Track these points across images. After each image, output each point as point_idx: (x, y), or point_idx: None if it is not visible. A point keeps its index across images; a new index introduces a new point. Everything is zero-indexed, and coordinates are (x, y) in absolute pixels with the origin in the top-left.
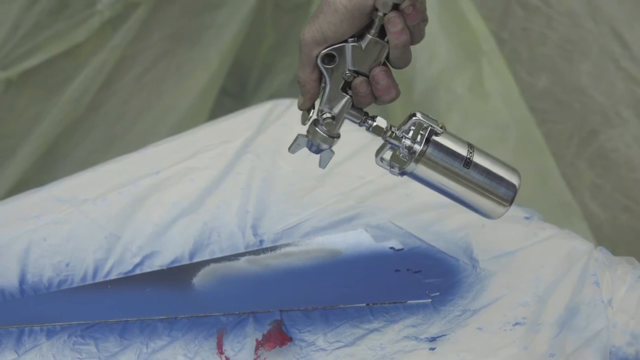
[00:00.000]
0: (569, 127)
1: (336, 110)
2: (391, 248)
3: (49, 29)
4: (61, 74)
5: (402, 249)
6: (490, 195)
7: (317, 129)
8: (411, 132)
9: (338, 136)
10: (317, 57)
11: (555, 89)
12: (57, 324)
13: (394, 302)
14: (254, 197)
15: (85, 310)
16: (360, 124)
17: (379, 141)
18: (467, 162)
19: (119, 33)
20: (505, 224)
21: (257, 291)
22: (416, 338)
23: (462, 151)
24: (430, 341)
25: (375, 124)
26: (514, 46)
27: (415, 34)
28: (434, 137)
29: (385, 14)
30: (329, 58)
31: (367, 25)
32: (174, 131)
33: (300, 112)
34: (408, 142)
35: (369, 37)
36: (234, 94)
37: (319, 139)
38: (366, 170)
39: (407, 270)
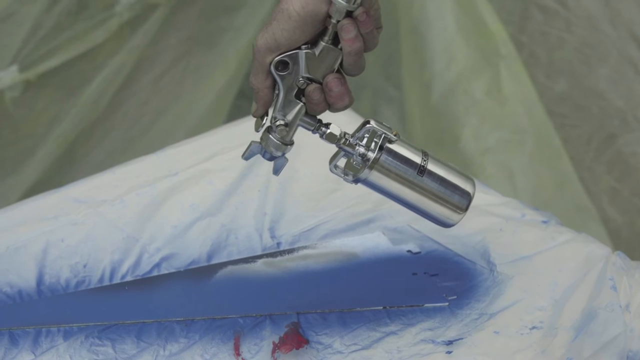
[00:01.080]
0: (587, 131)
1: (289, 117)
2: (408, 251)
3: (68, 30)
4: (80, 75)
5: (419, 252)
6: (445, 203)
7: (270, 136)
8: (365, 140)
9: (291, 143)
10: (270, 64)
11: (573, 93)
12: (74, 325)
13: (411, 306)
14: (272, 200)
15: (102, 311)
16: (313, 131)
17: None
18: (422, 170)
19: (138, 35)
20: (522, 228)
21: (274, 293)
22: (433, 341)
23: (416, 159)
24: (447, 344)
25: (328, 131)
26: (533, 50)
27: (368, 42)
28: (388, 145)
29: (338, 21)
30: (282, 65)
31: (320, 32)
32: (192, 133)
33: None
34: (362, 150)
35: (322, 44)
36: (252, 96)
37: (272, 146)
38: None
39: (425, 273)
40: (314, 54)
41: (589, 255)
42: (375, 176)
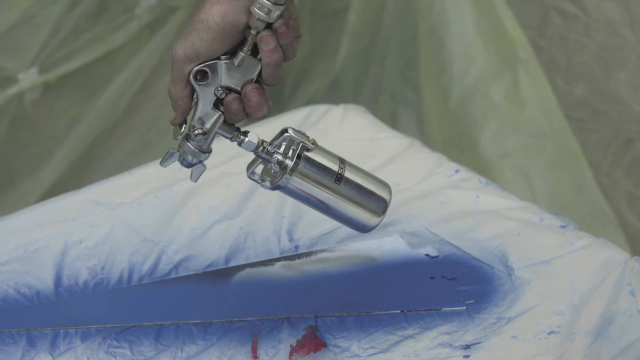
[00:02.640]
0: (605, 136)
1: (208, 125)
2: (426, 255)
3: (87, 32)
4: (99, 77)
5: (437, 256)
6: (362, 209)
7: (188, 143)
8: (283, 148)
9: (209, 151)
10: (189, 73)
11: (592, 97)
12: (92, 326)
13: (429, 309)
14: (290, 203)
15: (120, 313)
16: (231, 140)
17: (417, 148)
18: (339, 178)
19: (157, 37)
20: (541, 232)
21: (292, 296)
22: (450, 345)
23: (334, 166)
24: (465, 349)
25: (246, 139)
26: (552, 54)
27: (288, 52)
28: (305, 153)
29: (258, 32)
30: (201, 74)
31: (240, 42)
32: None
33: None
34: (279, 157)
35: (241, 54)
36: (270, 99)
37: (190, 154)
38: (402, 177)
39: (442, 277)
40: (233, 64)
41: (607, 260)
42: (294, 183)
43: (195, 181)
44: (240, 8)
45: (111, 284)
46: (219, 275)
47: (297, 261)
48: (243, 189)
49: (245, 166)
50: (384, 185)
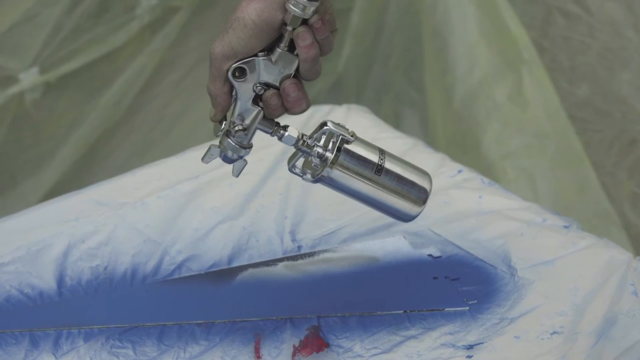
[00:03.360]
0: (608, 137)
1: (247, 121)
2: (429, 255)
3: (88, 32)
4: (101, 77)
5: (440, 257)
6: (403, 200)
7: (229, 139)
8: (322, 141)
9: (250, 146)
10: (227, 71)
11: (595, 98)
12: (95, 327)
13: (432, 310)
14: (293, 203)
15: (123, 313)
16: (272, 134)
17: (420, 148)
18: (379, 169)
19: (159, 37)
20: (543, 233)
21: (295, 297)
22: (453, 346)
23: (374, 158)
24: (468, 349)
25: (287, 134)
26: (555, 55)
27: (324, 47)
28: (345, 145)
29: (294, 29)
30: (239, 71)
31: (276, 39)
32: (212, 136)
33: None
34: (320, 150)
35: (278, 51)
36: None
37: (231, 150)
38: None
39: (445, 277)
40: (271, 60)
41: (610, 260)
42: (334, 175)
43: (237, 176)
44: (275, 5)
45: (114, 284)
46: (222, 276)
47: (300, 261)
48: (246, 190)
49: (248, 167)
50: (425, 174)
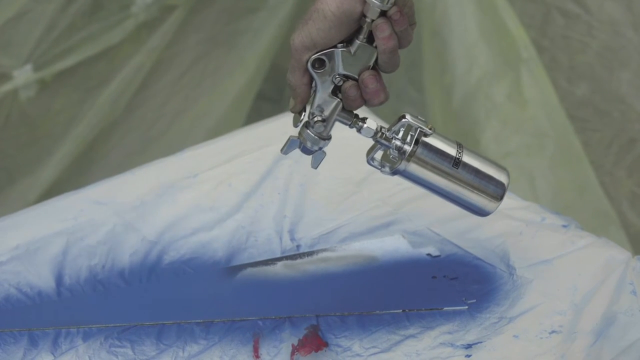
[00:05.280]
0: (608, 136)
1: (327, 113)
2: (428, 254)
3: (82, 30)
4: (98, 76)
5: (439, 256)
6: (480, 194)
7: (308, 131)
8: (401, 133)
9: (329, 138)
10: (307, 61)
11: (594, 97)
12: (94, 326)
13: (431, 309)
14: (292, 202)
15: (121, 312)
16: (350, 126)
17: None
18: (457, 162)
19: (156, 36)
20: (542, 232)
21: (294, 296)
22: (452, 345)
23: (451, 151)
24: (466, 348)
25: (365, 125)
26: (554, 54)
27: (403, 39)
28: (423, 138)
29: (373, 20)
30: (319, 63)
31: (355, 30)
32: (210, 135)
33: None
34: (398, 143)
35: (357, 42)
36: (271, 98)
37: (310, 141)
38: None
39: (444, 276)
40: (350, 52)
41: (609, 259)
42: (412, 168)
43: (316, 168)
44: None
45: (112, 283)
46: (221, 275)
47: (299, 261)
48: (245, 189)
49: (247, 166)
50: (502, 169)
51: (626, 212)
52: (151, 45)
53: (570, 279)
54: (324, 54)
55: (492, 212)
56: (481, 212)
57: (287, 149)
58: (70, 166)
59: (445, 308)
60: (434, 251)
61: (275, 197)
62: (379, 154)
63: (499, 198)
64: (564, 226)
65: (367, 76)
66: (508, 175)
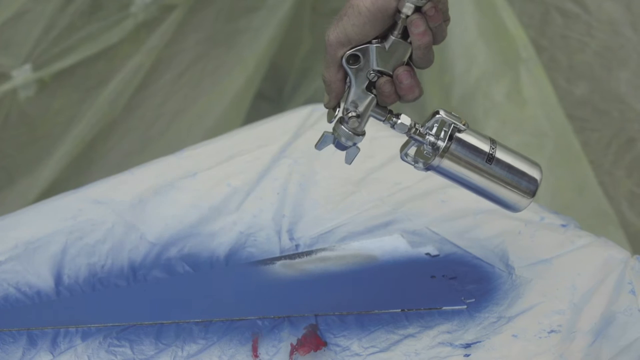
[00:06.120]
0: (607, 135)
1: (361, 108)
2: (427, 254)
3: (81, 30)
4: (97, 76)
5: (438, 255)
6: (513, 189)
7: (342, 126)
8: (435, 129)
9: (363, 133)
10: (342, 57)
11: (593, 96)
12: (93, 325)
13: (429, 308)
14: (291, 202)
15: (120, 312)
16: (384, 122)
17: None
18: (490, 158)
19: (155, 36)
20: (541, 232)
21: (293, 295)
22: (451, 344)
23: (485, 147)
24: (465, 347)
25: (399, 121)
26: (553, 53)
27: (437, 35)
28: (457, 134)
29: (407, 16)
30: (353, 58)
31: (390, 26)
32: (210, 134)
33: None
34: (432, 139)
35: (392, 38)
36: (270, 98)
37: (345, 136)
38: (403, 176)
39: (443, 276)
40: (384, 47)
41: (607, 259)
42: (446, 164)
43: (350, 163)
44: None
45: (111, 282)
46: (220, 274)
47: (298, 260)
48: (244, 188)
49: (246, 165)
50: (535, 165)
51: (625, 211)
52: (150, 45)
53: (569, 278)
54: (359, 50)
55: (525, 208)
56: (514, 208)
57: (321, 144)
58: (69, 166)
59: (444, 307)
60: (432, 251)
61: (274, 197)
62: (412, 150)
63: (532, 194)
64: (563, 226)
65: (402, 72)
66: (541, 171)
